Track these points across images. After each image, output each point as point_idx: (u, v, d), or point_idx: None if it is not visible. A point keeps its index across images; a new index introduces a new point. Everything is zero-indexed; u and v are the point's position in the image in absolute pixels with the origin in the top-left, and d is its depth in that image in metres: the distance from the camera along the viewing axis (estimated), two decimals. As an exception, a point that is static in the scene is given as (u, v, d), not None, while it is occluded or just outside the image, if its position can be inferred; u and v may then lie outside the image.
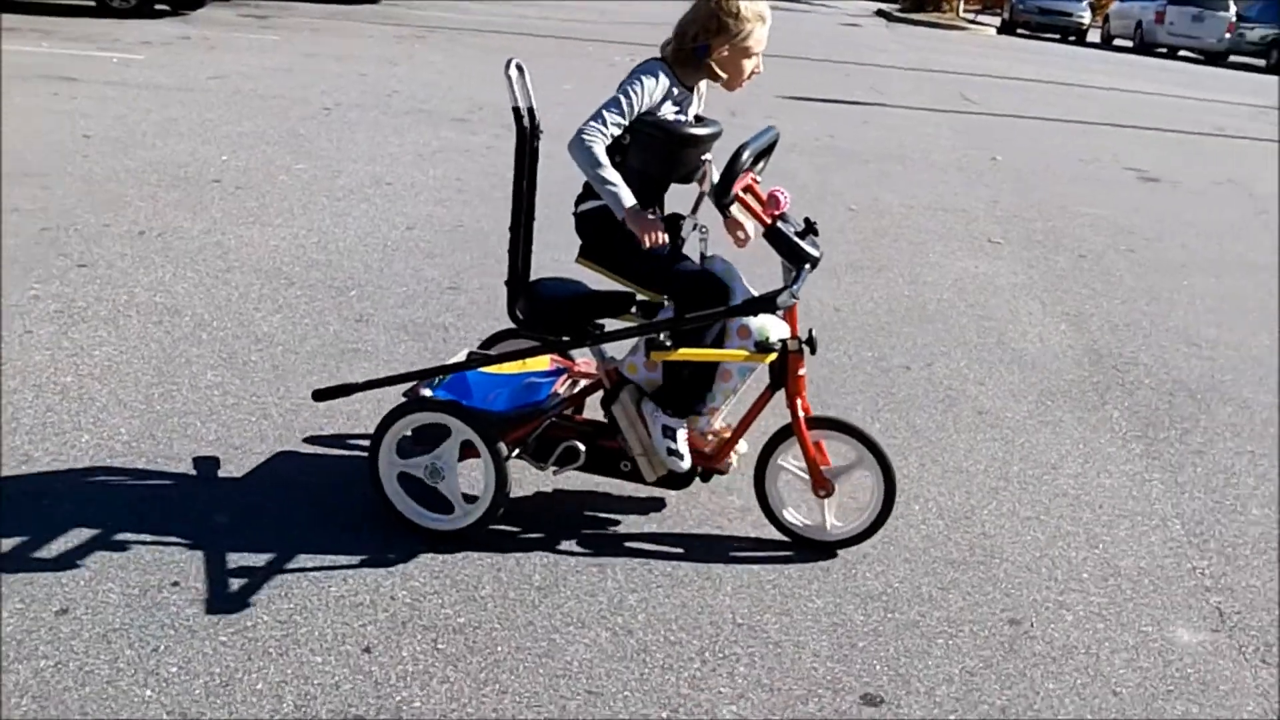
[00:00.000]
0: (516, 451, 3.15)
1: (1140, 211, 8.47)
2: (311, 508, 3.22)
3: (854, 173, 8.76)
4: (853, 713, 2.57)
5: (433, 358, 4.34)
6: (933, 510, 3.54)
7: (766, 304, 2.94)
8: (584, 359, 3.45)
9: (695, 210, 3.21)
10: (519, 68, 3.15)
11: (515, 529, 3.20)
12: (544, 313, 3.21)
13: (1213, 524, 3.67)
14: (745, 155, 2.93)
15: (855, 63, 17.71)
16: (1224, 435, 4.40)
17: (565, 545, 3.15)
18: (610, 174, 2.96)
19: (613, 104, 2.98)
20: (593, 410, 3.37)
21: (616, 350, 3.26)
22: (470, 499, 3.13)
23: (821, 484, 3.18)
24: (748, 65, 3.12)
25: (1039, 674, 2.78)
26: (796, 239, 2.99)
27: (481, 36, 15.48)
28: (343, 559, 2.97)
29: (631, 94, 2.99)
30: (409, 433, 3.10)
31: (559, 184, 3.77)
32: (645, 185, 3.07)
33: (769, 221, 3.01)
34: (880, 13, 34.91)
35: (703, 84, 3.22)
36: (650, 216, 2.99)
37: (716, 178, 3.07)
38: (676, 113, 3.11)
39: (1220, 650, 2.97)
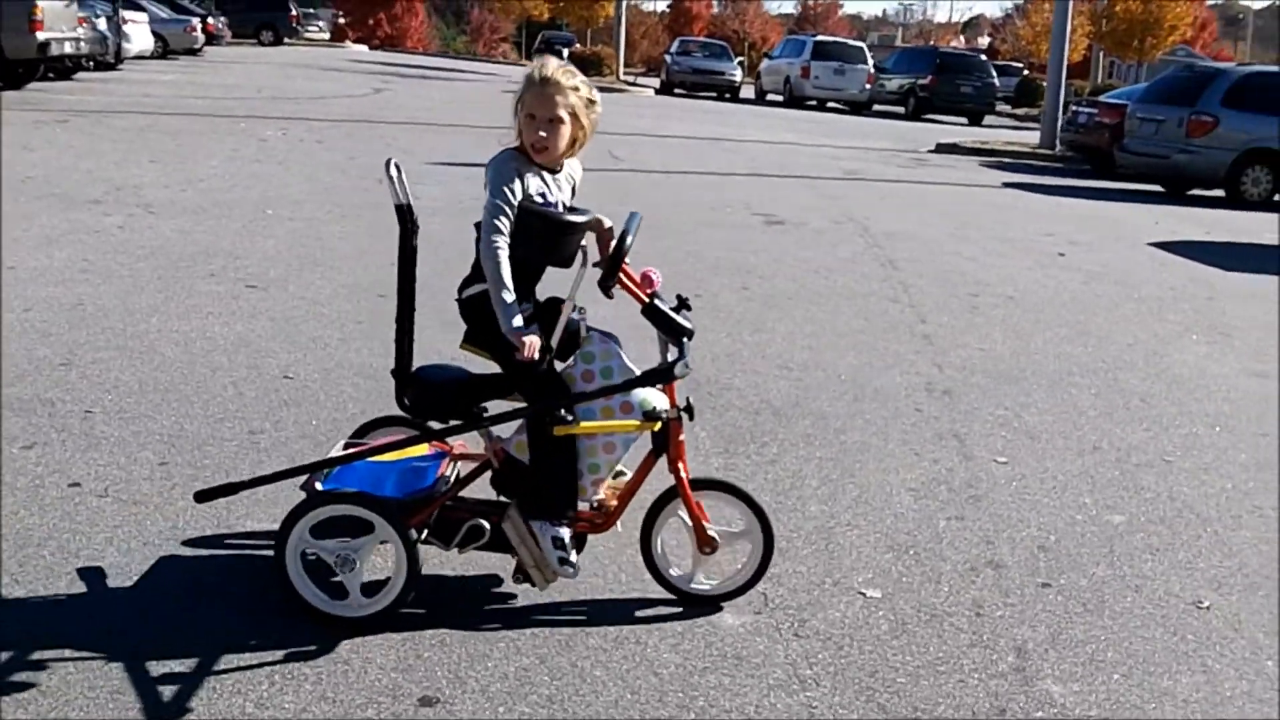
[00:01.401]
0: (424, 535, 3.26)
1: (761, 252, 9.19)
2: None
3: (496, 231, 9.09)
4: (409, 714, 2.81)
5: (37, 432, 4.34)
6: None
7: (665, 375, 3.22)
8: (459, 441, 3.54)
9: (573, 293, 3.28)
10: (397, 167, 3.26)
11: (117, 586, 3.28)
12: (432, 399, 3.33)
13: (772, 521, 4.10)
14: (629, 241, 3.14)
15: (513, 128, 18.24)
16: (798, 445, 4.92)
17: (154, 586, 3.26)
18: (510, 292, 3.08)
19: (497, 210, 3.09)
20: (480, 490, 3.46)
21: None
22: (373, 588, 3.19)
23: (706, 541, 3.42)
24: (530, 129, 3.20)
25: (589, 664, 3.09)
26: (672, 314, 3.25)
27: (127, 118, 15.07)
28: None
29: (504, 193, 3.11)
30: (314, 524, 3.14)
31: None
32: (524, 269, 3.20)
33: (646, 300, 3.24)
34: (546, 78, 35.91)
35: (573, 171, 3.37)
36: (524, 331, 3.10)
37: (593, 259, 3.26)
38: (541, 194, 3.21)
39: (759, 629, 3.37)
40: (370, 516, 3.13)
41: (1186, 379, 6.45)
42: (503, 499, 3.39)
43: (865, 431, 5.14)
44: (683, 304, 3.35)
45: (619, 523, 3.46)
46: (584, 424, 3.24)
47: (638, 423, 3.29)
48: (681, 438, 3.36)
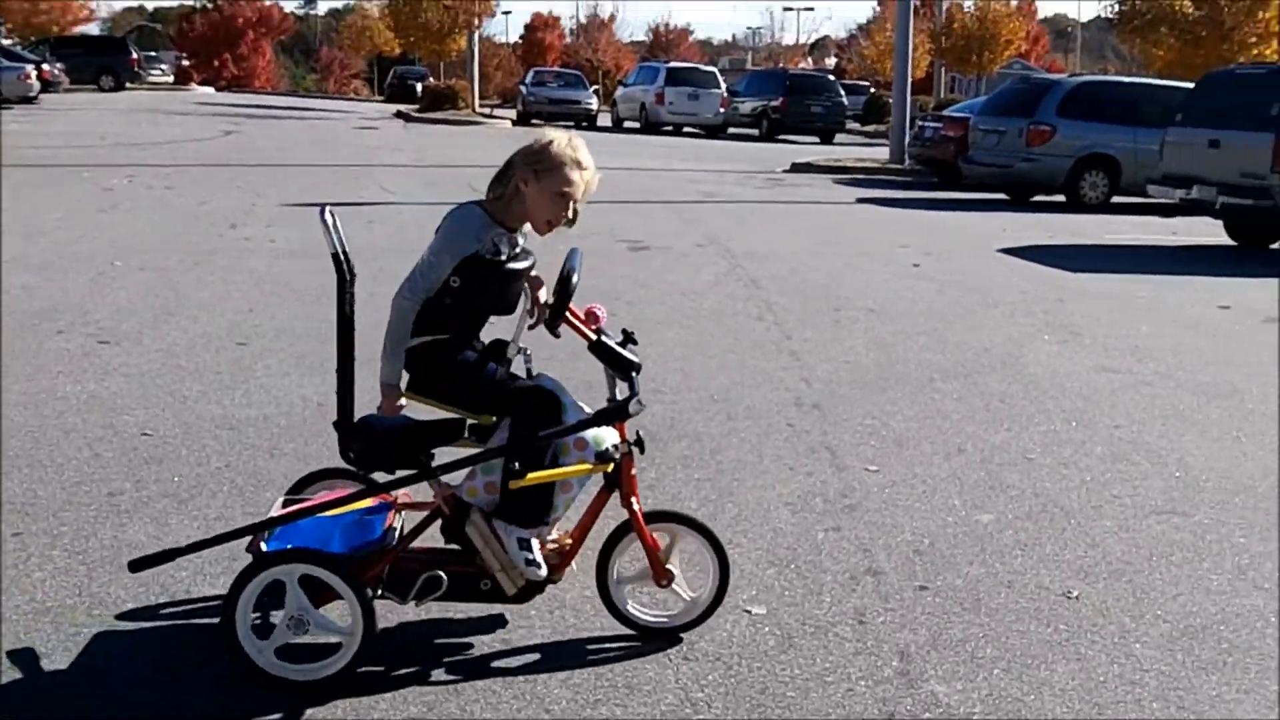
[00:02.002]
0: (380, 590, 3.18)
1: (627, 278, 9.24)
2: None
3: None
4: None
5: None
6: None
7: (619, 413, 3.22)
8: (403, 490, 3.43)
9: (518, 335, 3.29)
10: (332, 214, 3.20)
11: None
12: (379, 450, 3.24)
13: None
14: (575, 279, 3.12)
15: (368, 164, 18.08)
16: (675, 468, 4.94)
17: (12, 664, 3.12)
18: (397, 347, 3.15)
19: (428, 265, 3.13)
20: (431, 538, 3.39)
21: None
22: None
23: (663, 574, 3.40)
24: (555, 207, 3.25)
25: (479, 708, 3.06)
26: (620, 349, 3.24)
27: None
28: None
29: (446, 248, 3.14)
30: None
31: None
32: (470, 317, 3.25)
33: (594, 337, 3.25)
34: (399, 113, 35.74)
35: (526, 227, 3.35)
36: (393, 394, 3.16)
37: (530, 304, 3.36)
38: (494, 251, 3.22)
39: (648, 656, 3.37)
40: (324, 575, 3.04)
41: (1041, 378, 6.66)
42: (454, 547, 3.34)
43: (740, 450, 5.19)
44: (628, 338, 3.38)
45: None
46: (536, 474, 3.21)
47: (590, 465, 3.29)
48: (634, 472, 3.37)
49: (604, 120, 37.23)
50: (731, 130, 34.40)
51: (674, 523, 3.53)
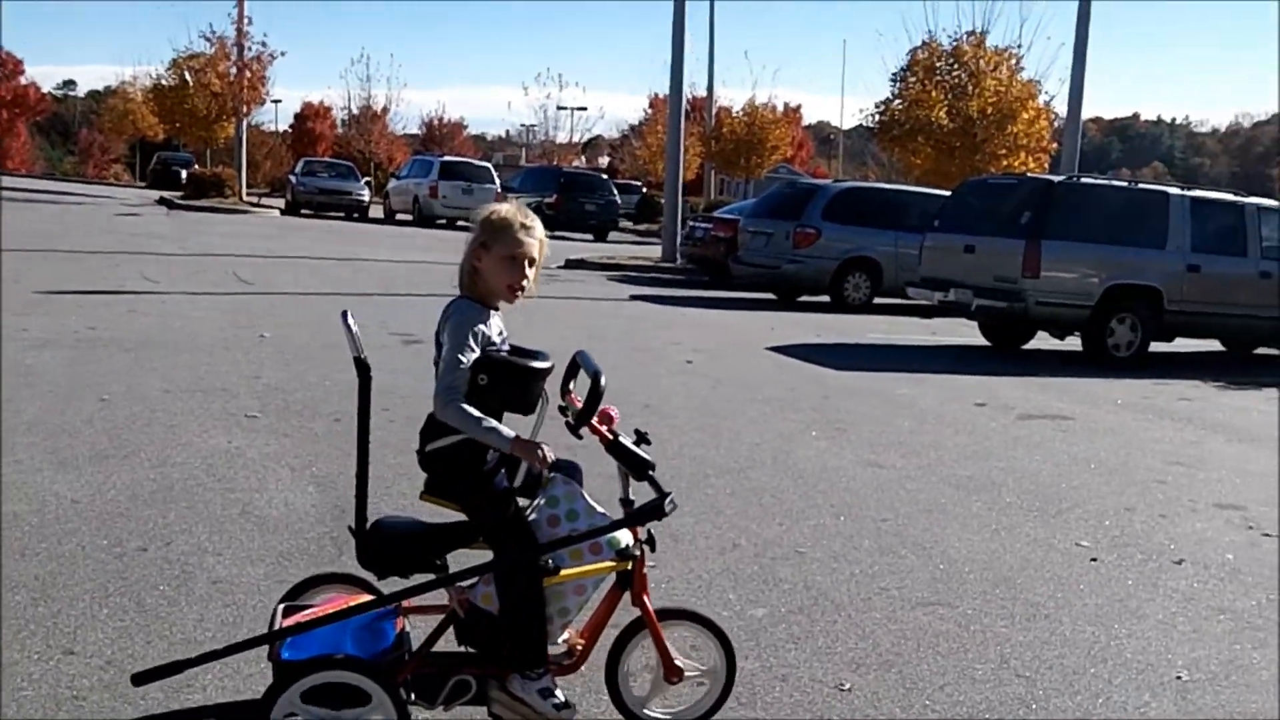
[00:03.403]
0: (413, 696, 3.13)
1: (400, 373, 9.04)
2: None
3: (113, 362, 8.58)
4: None
5: None
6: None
7: (654, 514, 3.23)
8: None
9: (535, 435, 3.21)
10: (353, 318, 3.13)
11: None
12: (394, 553, 3.20)
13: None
14: (604, 381, 3.14)
15: (128, 252, 17.37)
16: (454, 564, 4.81)
17: None
18: (487, 422, 3.08)
19: (454, 363, 3.11)
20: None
21: None
22: None
23: (674, 672, 3.42)
24: (511, 271, 3.25)
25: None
26: (635, 449, 3.23)
27: None
28: None
29: (465, 346, 3.13)
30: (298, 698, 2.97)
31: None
32: (491, 416, 3.16)
33: (610, 436, 3.24)
34: (162, 200, 34.59)
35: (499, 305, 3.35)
36: (531, 441, 3.12)
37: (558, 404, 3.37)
38: (501, 335, 3.27)
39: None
40: (361, 681, 2.99)
41: (810, 473, 6.84)
42: (470, 650, 3.30)
43: (516, 546, 5.11)
44: (641, 438, 3.37)
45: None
46: (565, 571, 3.20)
47: (612, 563, 3.28)
48: (645, 570, 3.35)
49: (376, 212, 36.93)
50: (509, 225, 34.59)
51: (684, 620, 3.57)
